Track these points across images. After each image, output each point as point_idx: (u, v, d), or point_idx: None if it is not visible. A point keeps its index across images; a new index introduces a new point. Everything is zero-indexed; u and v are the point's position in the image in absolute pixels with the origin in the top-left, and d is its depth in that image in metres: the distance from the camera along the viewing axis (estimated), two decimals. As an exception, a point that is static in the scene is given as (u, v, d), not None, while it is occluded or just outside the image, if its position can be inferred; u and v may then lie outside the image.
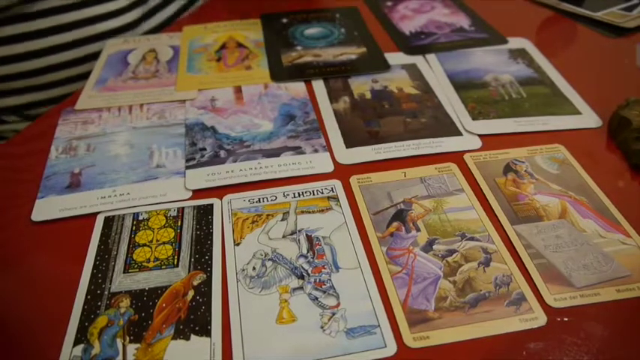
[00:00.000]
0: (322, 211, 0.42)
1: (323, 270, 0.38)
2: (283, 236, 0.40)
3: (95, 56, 0.62)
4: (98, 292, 0.37)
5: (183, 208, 0.43)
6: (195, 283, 0.37)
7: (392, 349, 0.33)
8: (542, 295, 0.36)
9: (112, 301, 0.36)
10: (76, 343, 0.34)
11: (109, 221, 0.42)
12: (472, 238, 0.40)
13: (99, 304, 0.36)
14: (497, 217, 0.42)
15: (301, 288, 0.37)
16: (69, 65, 0.63)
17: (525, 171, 0.46)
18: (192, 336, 0.34)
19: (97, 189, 0.44)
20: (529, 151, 0.48)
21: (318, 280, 0.37)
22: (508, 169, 0.46)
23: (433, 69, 0.58)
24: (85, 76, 0.59)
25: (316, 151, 0.48)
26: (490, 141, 0.49)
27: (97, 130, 0.51)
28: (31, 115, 0.65)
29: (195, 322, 0.35)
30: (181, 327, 0.35)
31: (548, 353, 0.33)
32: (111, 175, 0.46)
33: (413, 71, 0.58)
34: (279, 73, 0.58)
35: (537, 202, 0.43)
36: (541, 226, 0.41)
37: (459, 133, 0.50)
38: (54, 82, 0.64)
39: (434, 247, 0.39)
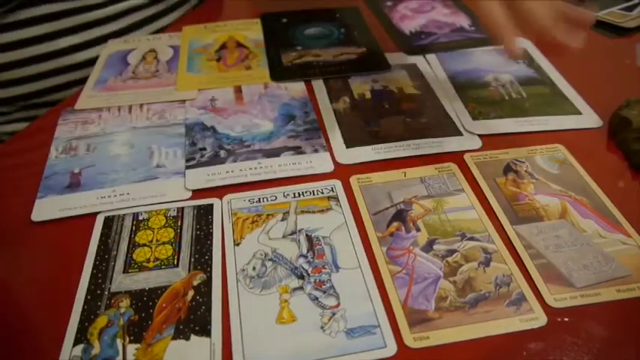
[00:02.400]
0: (322, 211, 0.42)
1: (323, 270, 0.38)
2: (283, 236, 0.40)
3: None
4: (98, 292, 0.37)
5: (183, 208, 0.43)
6: (195, 283, 0.37)
7: (392, 349, 0.33)
8: (542, 295, 0.36)
9: (112, 301, 0.36)
10: (76, 343, 0.34)
11: (108, 221, 0.42)
12: (472, 238, 0.40)
13: (99, 304, 0.36)
14: (497, 217, 0.42)
15: (301, 288, 0.37)
16: (84, 66, 0.63)
17: (525, 171, 0.45)
18: (192, 336, 0.34)
19: (96, 189, 0.44)
20: (529, 151, 0.47)
21: (318, 280, 0.37)
22: (508, 169, 0.46)
23: (433, 69, 0.58)
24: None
25: (316, 151, 0.48)
26: (490, 141, 0.49)
27: (97, 130, 0.51)
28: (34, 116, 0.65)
29: (195, 322, 0.35)
30: (181, 327, 0.35)
31: (549, 353, 0.33)
32: (111, 175, 0.45)
33: (413, 71, 0.58)
34: (279, 73, 0.58)
35: (537, 202, 0.43)
36: (541, 226, 0.41)
37: (459, 133, 0.50)
38: (70, 82, 0.63)
39: (434, 247, 0.39)
